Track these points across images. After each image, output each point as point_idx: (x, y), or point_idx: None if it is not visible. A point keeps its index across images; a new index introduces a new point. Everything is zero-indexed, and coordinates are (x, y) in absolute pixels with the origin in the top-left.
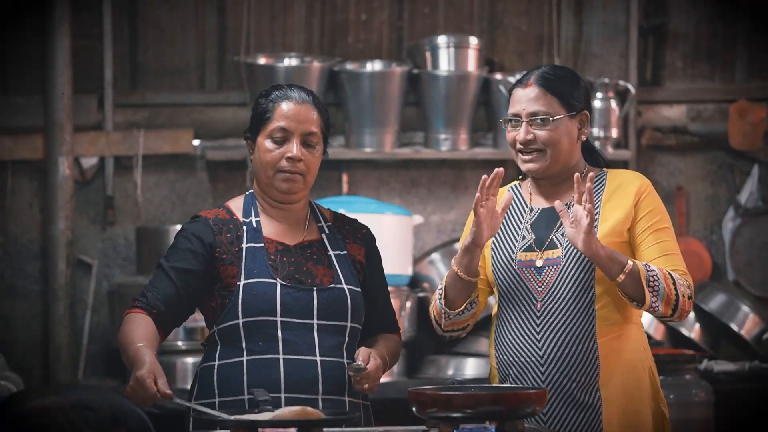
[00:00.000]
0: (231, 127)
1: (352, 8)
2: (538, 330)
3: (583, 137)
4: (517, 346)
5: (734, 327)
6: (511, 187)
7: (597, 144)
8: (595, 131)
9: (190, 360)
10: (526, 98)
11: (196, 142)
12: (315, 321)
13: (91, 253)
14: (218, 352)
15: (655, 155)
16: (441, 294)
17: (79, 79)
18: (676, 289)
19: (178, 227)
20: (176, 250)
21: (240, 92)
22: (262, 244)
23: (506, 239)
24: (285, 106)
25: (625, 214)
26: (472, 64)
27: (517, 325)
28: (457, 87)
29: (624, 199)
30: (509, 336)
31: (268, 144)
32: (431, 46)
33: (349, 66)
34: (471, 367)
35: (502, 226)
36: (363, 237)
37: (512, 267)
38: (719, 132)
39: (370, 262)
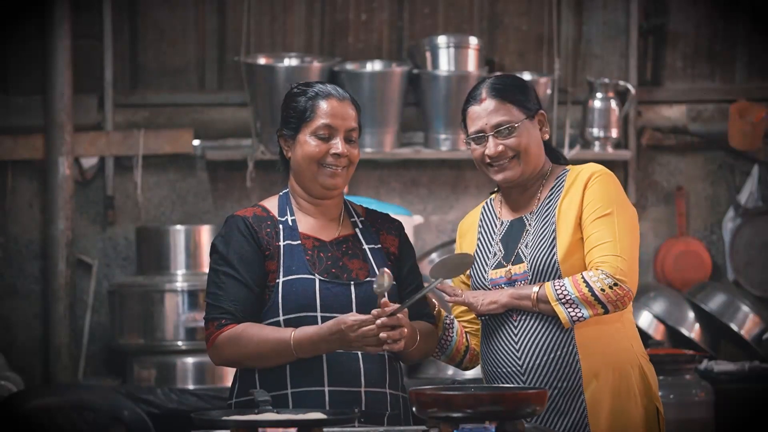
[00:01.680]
0: (231, 127)
1: (352, 8)
2: (516, 341)
3: (546, 136)
4: (499, 358)
5: (734, 327)
6: (485, 204)
7: (597, 144)
8: (595, 131)
9: (190, 360)
10: (485, 113)
11: (196, 142)
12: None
13: (91, 253)
14: None
15: (655, 155)
16: None
17: (79, 79)
18: (590, 288)
19: (179, 227)
20: (232, 250)
21: (240, 92)
22: (299, 242)
23: (480, 257)
24: (328, 104)
25: (577, 207)
26: (472, 64)
27: (498, 337)
28: (457, 87)
29: (576, 194)
30: (492, 348)
31: (312, 140)
32: (431, 46)
33: (349, 66)
34: (472, 367)
35: (477, 243)
36: (396, 227)
37: (486, 286)
38: (719, 132)
39: (402, 252)
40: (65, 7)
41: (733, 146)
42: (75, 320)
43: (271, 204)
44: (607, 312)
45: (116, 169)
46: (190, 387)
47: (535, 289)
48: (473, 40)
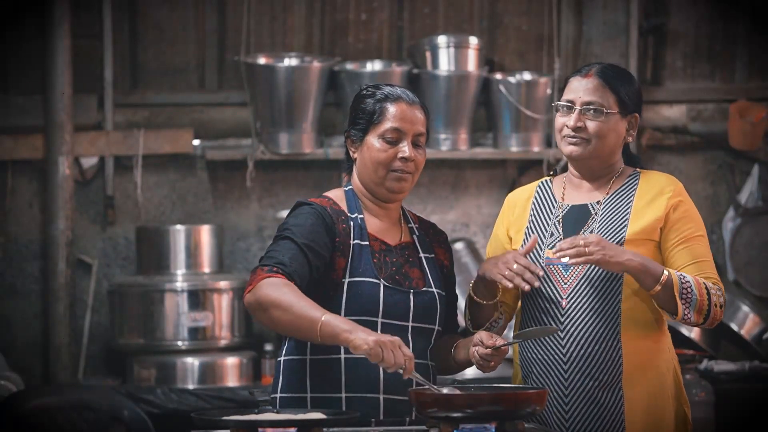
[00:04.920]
0: (231, 127)
1: (352, 8)
2: (561, 329)
3: (630, 139)
4: (540, 344)
5: (734, 327)
6: (542, 183)
7: None
8: None
9: (190, 360)
10: (583, 87)
11: (196, 142)
12: (410, 323)
13: (91, 253)
14: (309, 345)
15: (655, 155)
16: (465, 313)
17: (79, 79)
18: (709, 299)
19: (179, 227)
20: (305, 228)
21: (240, 92)
22: (367, 242)
23: (534, 235)
24: (397, 107)
25: (658, 215)
26: (472, 64)
27: (542, 322)
28: (457, 87)
29: (656, 203)
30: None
31: (380, 144)
32: (431, 46)
33: (349, 66)
34: (471, 367)
35: (530, 222)
36: (445, 240)
37: (539, 264)
38: (719, 132)
39: (451, 265)
40: (65, 7)
41: (733, 146)
42: (75, 320)
43: (339, 198)
44: (701, 325)
45: (116, 169)
46: (190, 387)
47: (666, 273)
48: (473, 40)
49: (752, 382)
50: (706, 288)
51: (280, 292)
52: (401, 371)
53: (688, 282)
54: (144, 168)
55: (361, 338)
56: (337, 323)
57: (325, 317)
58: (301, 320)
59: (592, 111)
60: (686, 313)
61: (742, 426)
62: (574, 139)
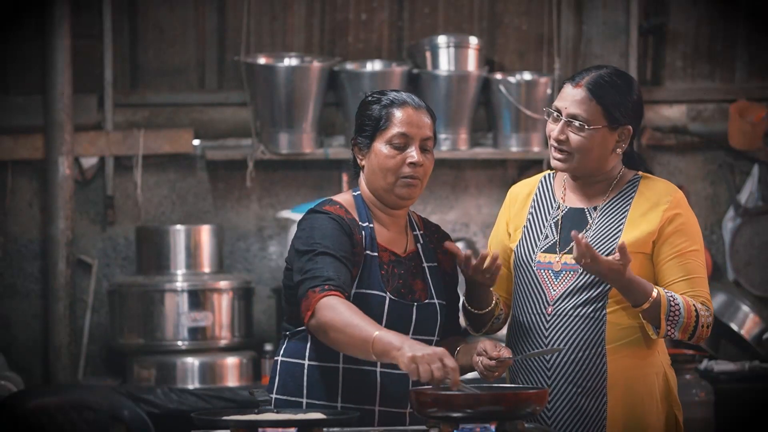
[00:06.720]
0: (231, 126)
1: (352, 8)
2: (546, 334)
3: (619, 151)
4: (525, 350)
5: (734, 327)
6: (544, 177)
7: None
8: None
9: (190, 360)
10: (571, 98)
11: (196, 142)
12: (410, 335)
13: (91, 253)
14: (308, 350)
15: (655, 155)
16: (464, 318)
17: (79, 79)
18: (696, 321)
19: (179, 227)
20: (334, 240)
21: (240, 92)
22: (376, 253)
23: (530, 236)
24: (403, 112)
25: (652, 229)
26: (472, 64)
27: (527, 327)
28: (457, 87)
29: (653, 214)
30: (519, 338)
31: (387, 150)
32: (431, 46)
33: (349, 66)
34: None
35: (528, 221)
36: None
37: (531, 267)
38: (719, 132)
39: (454, 269)
40: (65, 7)
41: (733, 146)
42: (75, 320)
43: (350, 205)
44: (688, 342)
45: (116, 169)
46: (190, 387)
47: (654, 293)
48: (473, 40)
49: (752, 382)
50: (696, 310)
51: (334, 312)
52: (447, 383)
53: (678, 306)
54: (144, 168)
55: (402, 354)
56: (389, 339)
57: (377, 333)
58: (355, 339)
59: (576, 124)
60: (671, 331)
61: (742, 426)
62: (559, 154)
